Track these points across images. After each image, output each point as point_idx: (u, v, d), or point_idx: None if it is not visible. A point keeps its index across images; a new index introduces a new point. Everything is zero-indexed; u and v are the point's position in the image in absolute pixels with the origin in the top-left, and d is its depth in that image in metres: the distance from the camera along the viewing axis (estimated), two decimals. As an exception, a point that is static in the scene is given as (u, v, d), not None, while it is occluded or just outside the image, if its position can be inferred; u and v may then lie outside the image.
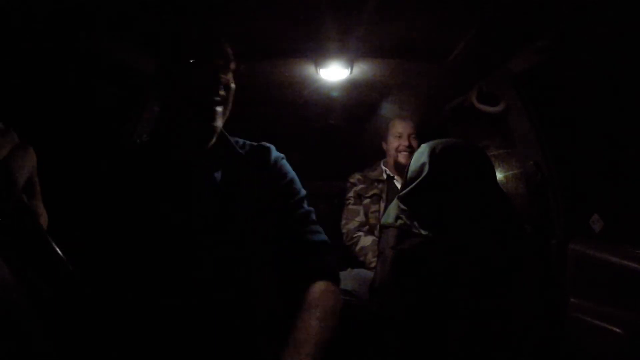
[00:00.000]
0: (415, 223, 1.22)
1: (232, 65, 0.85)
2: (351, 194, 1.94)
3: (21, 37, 1.06)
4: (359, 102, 2.08)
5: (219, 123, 0.83)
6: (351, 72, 1.65)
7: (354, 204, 1.91)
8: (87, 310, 0.56)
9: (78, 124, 1.40)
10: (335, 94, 1.93)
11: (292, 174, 0.92)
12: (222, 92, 0.81)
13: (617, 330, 1.03)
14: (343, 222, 1.89)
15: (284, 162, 0.93)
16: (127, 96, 1.51)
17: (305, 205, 0.89)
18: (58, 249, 0.51)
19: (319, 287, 0.79)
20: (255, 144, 0.95)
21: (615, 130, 1.35)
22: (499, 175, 1.87)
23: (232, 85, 0.85)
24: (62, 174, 0.82)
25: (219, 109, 0.82)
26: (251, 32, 1.30)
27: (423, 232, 1.20)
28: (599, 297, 1.15)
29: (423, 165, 1.23)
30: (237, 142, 0.93)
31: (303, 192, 0.91)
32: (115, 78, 1.46)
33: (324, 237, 0.87)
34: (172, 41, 0.84)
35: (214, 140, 0.89)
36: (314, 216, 0.90)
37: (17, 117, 1.19)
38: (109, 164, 0.85)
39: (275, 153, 0.93)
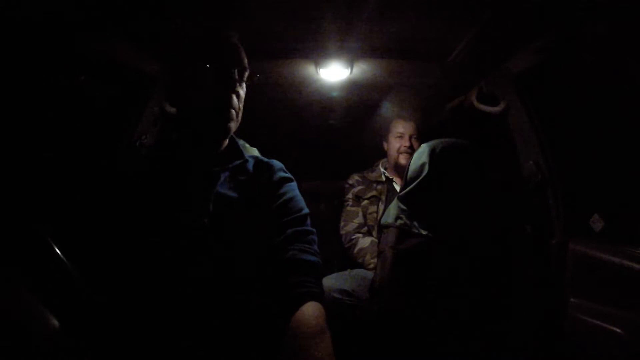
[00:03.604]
0: (415, 223, 1.22)
1: (247, 74, 0.87)
2: (349, 195, 1.93)
3: (20, 36, 1.06)
4: (359, 102, 2.08)
5: (232, 128, 0.85)
6: (351, 72, 1.65)
7: (352, 206, 1.91)
8: (91, 309, 0.57)
9: (78, 125, 1.39)
10: (335, 94, 1.93)
11: (295, 193, 0.90)
12: (235, 100, 0.82)
13: (617, 330, 1.03)
14: (342, 223, 1.88)
15: (290, 183, 0.91)
16: (127, 96, 1.51)
17: (304, 223, 0.85)
18: (60, 253, 0.51)
19: (300, 312, 0.71)
20: (265, 160, 0.95)
21: (615, 130, 1.35)
22: (499, 175, 1.87)
23: (242, 93, 0.86)
24: (62, 175, 0.82)
25: (232, 115, 0.83)
26: (251, 32, 1.30)
27: (423, 232, 1.20)
28: (599, 297, 1.15)
29: (423, 165, 1.24)
30: (252, 156, 0.94)
31: (305, 210, 0.88)
32: (114, 78, 1.46)
33: (312, 257, 0.80)
34: (184, 43, 0.84)
35: (225, 144, 0.90)
36: (312, 235, 0.85)
37: (16, 118, 1.20)
38: (110, 165, 0.86)
39: (280, 173, 0.92)
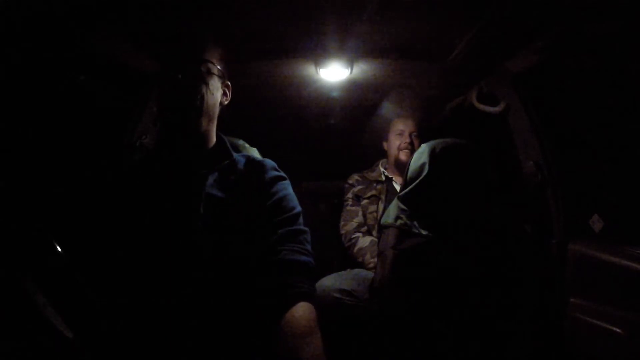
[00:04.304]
0: (415, 223, 1.22)
1: (217, 70, 0.86)
2: (349, 195, 1.94)
3: (20, 36, 1.06)
4: (359, 102, 2.08)
5: (203, 124, 0.85)
6: (351, 72, 1.64)
7: (352, 205, 1.91)
8: (90, 311, 0.57)
9: (78, 125, 1.40)
10: (335, 94, 1.93)
11: (286, 192, 0.88)
12: (204, 96, 0.83)
13: (617, 330, 1.04)
14: (341, 223, 1.89)
15: (282, 182, 0.90)
16: (127, 96, 1.51)
17: (295, 223, 0.84)
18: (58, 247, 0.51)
19: (290, 312, 0.72)
20: (258, 159, 0.95)
21: (615, 129, 1.35)
22: (499, 175, 1.87)
23: (215, 88, 0.86)
24: (62, 175, 0.82)
25: (201, 111, 0.83)
26: (251, 32, 1.30)
27: (423, 232, 1.20)
28: (599, 297, 1.15)
29: (423, 165, 1.24)
30: (243, 155, 0.94)
31: (297, 209, 0.86)
32: (114, 78, 1.46)
33: (304, 257, 0.80)
34: (162, 44, 0.85)
35: (213, 143, 0.89)
36: (304, 235, 0.84)
37: (16, 118, 1.20)
38: (110, 165, 0.86)
39: (272, 172, 0.91)
